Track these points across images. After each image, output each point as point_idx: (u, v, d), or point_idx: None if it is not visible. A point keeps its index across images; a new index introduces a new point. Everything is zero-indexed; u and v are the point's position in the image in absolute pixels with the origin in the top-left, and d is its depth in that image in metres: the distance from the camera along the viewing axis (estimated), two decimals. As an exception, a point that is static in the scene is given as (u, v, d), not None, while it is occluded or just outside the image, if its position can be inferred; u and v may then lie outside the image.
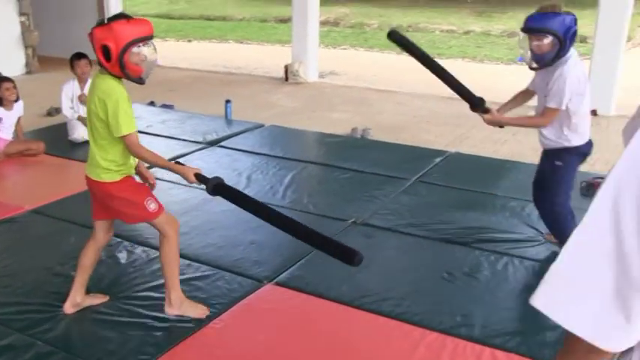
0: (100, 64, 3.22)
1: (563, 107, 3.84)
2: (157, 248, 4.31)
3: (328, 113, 8.37)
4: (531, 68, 4.03)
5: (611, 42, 7.94)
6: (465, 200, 5.17)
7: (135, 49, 3.16)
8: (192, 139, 6.89)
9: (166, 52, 14.50)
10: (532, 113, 4.40)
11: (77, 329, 3.49)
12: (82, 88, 6.96)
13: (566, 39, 3.75)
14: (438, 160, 6.13)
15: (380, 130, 7.40)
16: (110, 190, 3.39)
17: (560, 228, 4.09)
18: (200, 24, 20.90)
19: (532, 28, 3.83)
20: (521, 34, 3.96)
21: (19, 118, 6.56)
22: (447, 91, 9.71)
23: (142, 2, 24.01)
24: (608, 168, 1.16)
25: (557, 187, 4.12)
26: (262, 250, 4.37)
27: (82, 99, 6.91)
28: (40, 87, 9.70)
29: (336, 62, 12.75)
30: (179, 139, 6.92)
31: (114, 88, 3.23)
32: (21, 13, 11.10)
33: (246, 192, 5.33)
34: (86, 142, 6.77)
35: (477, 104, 4.26)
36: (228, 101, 7.87)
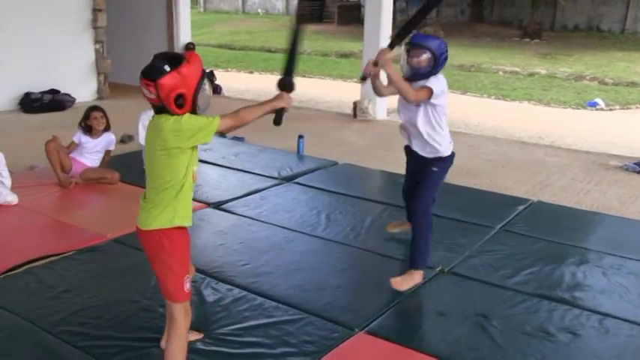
0: (163, 110, 2.94)
1: (437, 90, 4.16)
2: (240, 287, 4.30)
3: (400, 153, 8.22)
4: (406, 79, 4.22)
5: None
6: (554, 253, 5.00)
7: (202, 89, 2.99)
8: (267, 174, 6.86)
9: (230, 83, 14.68)
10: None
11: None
12: (159, 118, 7.00)
13: (439, 59, 4.17)
14: (520, 208, 5.97)
15: (455, 173, 7.24)
16: (161, 242, 3.06)
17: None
18: (261, 55, 21.13)
19: (415, 43, 4.16)
20: (403, 50, 4.24)
21: (108, 151, 6.63)
22: (520, 136, 9.58)
23: (205, 33, 24.43)
24: None
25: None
26: (350, 296, 4.27)
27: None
28: (111, 113, 9.75)
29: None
30: (253, 173, 6.89)
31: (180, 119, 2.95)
32: (96, 41, 11.34)
33: (326, 232, 5.33)
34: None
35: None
36: (301, 137, 7.85)
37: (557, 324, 3.92)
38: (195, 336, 3.63)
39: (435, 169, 4.40)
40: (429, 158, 4.41)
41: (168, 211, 3.02)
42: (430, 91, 4.15)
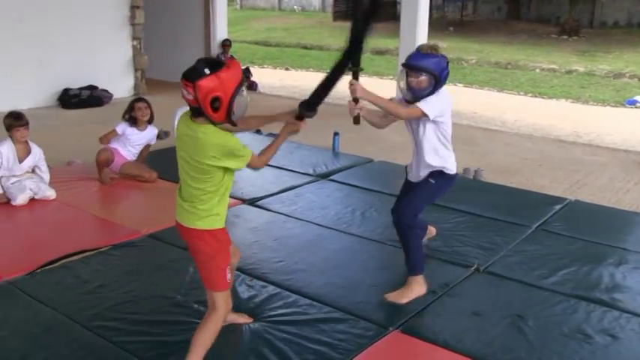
0: (200, 114, 2.99)
1: (431, 116, 3.94)
2: (274, 284, 4.30)
3: (436, 150, 8.20)
4: (406, 101, 4.10)
5: None
6: (592, 253, 4.91)
7: (239, 95, 3.00)
8: (302, 171, 6.86)
9: (266, 80, 14.71)
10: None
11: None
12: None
13: (441, 78, 3.94)
14: (557, 207, 5.88)
15: (491, 171, 7.20)
16: (204, 240, 3.20)
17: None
18: (297, 52, 21.17)
19: (411, 66, 3.96)
20: (400, 69, 4.10)
21: (148, 145, 6.67)
22: (557, 134, 9.45)
23: (241, 29, 24.54)
24: None
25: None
26: (384, 294, 4.23)
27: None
28: (149, 110, 9.89)
29: (437, 97, 12.59)
30: (288, 169, 6.90)
31: (225, 137, 3.05)
32: (133, 38, 11.44)
33: (360, 230, 5.31)
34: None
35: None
36: (336, 133, 7.84)
37: (596, 326, 3.85)
38: (245, 319, 3.70)
39: (432, 180, 4.17)
40: (430, 172, 4.21)
41: (213, 214, 3.16)
42: (418, 111, 3.95)
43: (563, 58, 18.75)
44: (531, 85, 15.24)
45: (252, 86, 13.09)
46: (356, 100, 3.94)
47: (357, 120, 4.05)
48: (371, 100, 3.89)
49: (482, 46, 21.55)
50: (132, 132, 6.44)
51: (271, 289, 4.24)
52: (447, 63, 4.02)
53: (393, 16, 30.12)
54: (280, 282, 4.34)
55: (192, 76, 2.92)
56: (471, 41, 22.37)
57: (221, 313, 3.25)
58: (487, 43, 22.30)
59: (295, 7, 36.55)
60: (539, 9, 28.83)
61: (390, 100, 4.26)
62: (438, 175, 4.17)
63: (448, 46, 21.00)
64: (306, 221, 5.48)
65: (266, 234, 5.20)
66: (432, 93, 3.96)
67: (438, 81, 3.94)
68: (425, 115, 3.95)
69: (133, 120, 6.46)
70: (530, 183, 6.91)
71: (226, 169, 3.10)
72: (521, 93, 14.45)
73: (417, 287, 4.19)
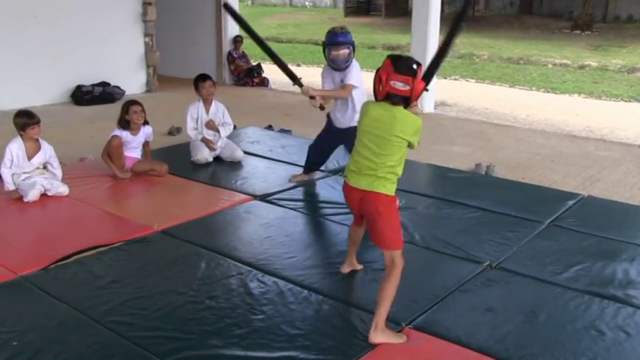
0: (396, 102, 3.63)
1: (358, 85, 5.57)
2: (286, 279, 4.30)
3: (448, 146, 8.19)
4: (335, 69, 5.63)
5: None
6: (605, 249, 4.89)
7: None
8: (314, 167, 6.84)
9: (277, 76, 14.66)
10: None
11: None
12: (207, 110, 7.05)
13: (354, 49, 5.56)
14: (570, 203, 5.85)
15: (503, 166, 7.18)
16: (384, 202, 3.72)
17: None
18: (308, 48, 21.15)
19: (338, 42, 5.47)
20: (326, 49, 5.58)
21: (147, 142, 6.68)
22: (570, 129, 9.43)
23: (252, 26, 24.50)
24: None
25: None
26: (396, 290, 4.22)
27: (209, 125, 7.00)
28: (159, 105, 9.96)
29: (447, 93, 12.55)
30: (300, 165, 6.86)
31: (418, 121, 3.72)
32: (146, 34, 11.47)
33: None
34: (209, 163, 6.94)
35: (296, 80, 5.83)
36: (348, 129, 7.82)
37: (610, 322, 3.82)
38: (399, 339, 3.68)
39: None
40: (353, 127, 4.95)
41: (393, 183, 3.73)
42: (352, 86, 5.55)
43: (575, 53, 18.65)
44: (543, 81, 15.17)
45: (264, 82, 13.10)
46: (312, 97, 5.68)
47: (322, 108, 5.84)
48: (322, 94, 5.72)
49: (493, 41, 21.47)
50: (127, 136, 6.44)
51: (283, 284, 4.25)
52: None
53: (405, 12, 30.10)
54: (292, 278, 4.35)
55: (411, 71, 3.58)
56: (483, 36, 22.29)
57: (400, 267, 3.70)
58: (499, 38, 22.22)
59: (306, 3, 36.52)
60: (551, 4, 28.70)
61: (331, 89, 5.77)
62: (350, 129, 5.27)
63: (460, 42, 20.94)
64: (318, 217, 5.48)
65: (278, 230, 5.20)
66: (351, 60, 5.54)
67: (354, 50, 5.55)
68: (355, 86, 5.57)
69: (126, 123, 6.43)
70: (543, 178, 6.88)
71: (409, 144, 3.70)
72: (534, 88, 14.38)
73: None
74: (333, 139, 6.00)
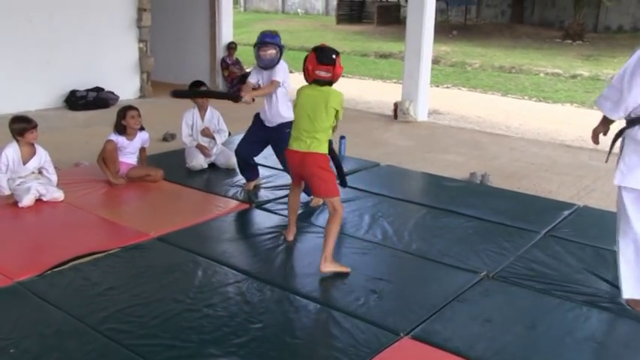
0: (324, 84, 4.58)
1: (281, 81, 5.82)
2: (282, 287, 4.29)
3: (442, 155, 8.21)
4: (263, 68, 5.89)
5: None
6: (603, 260, 4.90)
7: None
8: (309, 175, 6.83)
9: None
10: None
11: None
12: (202, 117, 7.04)
13: (282, 50, 5.84)
14: (566, 213, 5.87)
15: (497, 176, 7.19)
16: (320, 160, 4.55)
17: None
18: (300, 55, 21.04)
19: (267, 42, 5.77)
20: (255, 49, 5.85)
21: (144, 148, 6.66)
22: (563, 139, 9.41)
23: (245, 32, 24.51)
24: None
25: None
26: (394, 299, 4.20)
27: (205, 133, 6.99)
28: (153, 111, 9.91)
29: (439, 101, 12.56)
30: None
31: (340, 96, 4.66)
32: (140, 40, 11.45)
33: (368, 234, 5.29)
34: (203, 170, 6.90)
35: (236, 97, 5.91)
36: (342, 137, 7.82)
37: (609, 334, 3.84)
38: (344, 269, 4.54)
39: (288, 130, 4.99)
40: (280, 124, 5.88)
41: (324, 142, 4.59)
42: (277, 82, 5.81)
43: (567, 63, 18.74)
44: (535, 90, 15.23)
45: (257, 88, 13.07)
46: (252, 99, 5.85)
47: (252, 101, 5.91)
48: (258, 94, 5.88)
49: (485, 50, 21.56)
50: (123, 141, 6.41)
51: (280, 292, 4.23)
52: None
53: (397, 20, 30.19)
54: (288, 286, 4.34)
55: (331, 60, 4.51)
56: (475, 45, 22.39)
57: (339, 213, 4.55)
58: (490, 46, 22.31)
59: (299, 10, 36.57)
60: (542, 13, 28.86)
61: (263, 88, 5.98)
62: (288, 124, 5.26)
63: (452, 50, 21.02)
64: (314, 225, 5.47)
65: (274, 238, 5.19)
66: (278, 61, 5.78)
67: (281, 52, 5.82)
68: (279, 82, 5.81)
69: (122, 128, 6.40)
70: (538, 188, 6.90)
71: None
72: (526, 97, 14.42)
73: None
74: (260, 136, 6.14)
